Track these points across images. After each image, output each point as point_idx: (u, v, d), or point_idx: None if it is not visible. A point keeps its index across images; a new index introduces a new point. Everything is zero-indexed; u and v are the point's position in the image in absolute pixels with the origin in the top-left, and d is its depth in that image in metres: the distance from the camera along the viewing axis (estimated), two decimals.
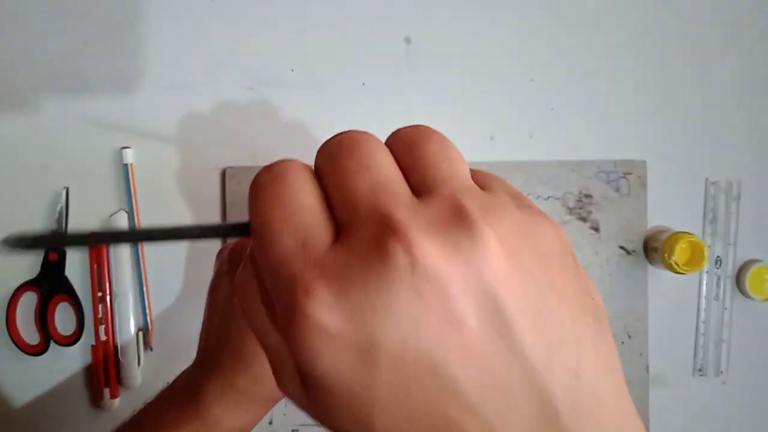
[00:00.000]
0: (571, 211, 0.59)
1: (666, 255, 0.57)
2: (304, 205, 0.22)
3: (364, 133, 0.24)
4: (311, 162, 0.27)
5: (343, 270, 0.19)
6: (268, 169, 0.23)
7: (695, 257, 0.58)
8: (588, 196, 0.60)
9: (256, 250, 0.22)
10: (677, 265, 0.56)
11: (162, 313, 0.56)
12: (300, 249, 0.20)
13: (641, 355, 0.60)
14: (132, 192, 0.55)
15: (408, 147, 0.23)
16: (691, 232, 0.59)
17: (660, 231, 0.59)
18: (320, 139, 0.60)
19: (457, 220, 0.19)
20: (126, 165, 0.55)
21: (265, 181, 0.23)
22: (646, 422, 0.60)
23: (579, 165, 0.59)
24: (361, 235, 0.20)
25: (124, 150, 0.55)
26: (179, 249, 0.56)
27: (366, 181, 0.21)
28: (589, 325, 0.22)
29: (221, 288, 0.41)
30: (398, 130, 0.25)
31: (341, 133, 0.24)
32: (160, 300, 0.56)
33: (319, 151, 0.25)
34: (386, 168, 0.22)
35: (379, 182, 0.21)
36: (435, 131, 0.24)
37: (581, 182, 0.59)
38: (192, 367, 0.42)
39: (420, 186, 0.21)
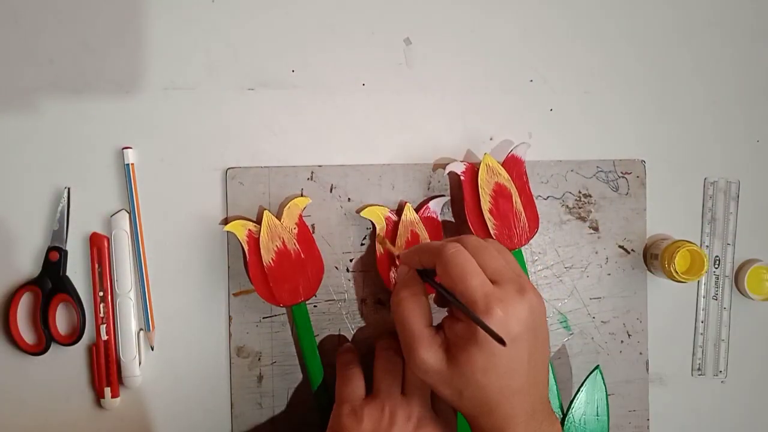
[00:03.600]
0: (570, 210, 0.60)
1: (666, 263, 0.57)
2: (479, 270, 0.44)
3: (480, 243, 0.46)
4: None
5: (502, 299, 0.42)
6: (452, 246, 0.45)
7: (695, 266, 0.58)
8: (587, 195, 0.60)
9: (446, 280, 0.44)
10: (677, 273, 0.57)
11: (163, 313, 0.56)
12: (483, 285, 0.43)
13: (641, 354, 0.60)
14: (133, 192, 0.55)
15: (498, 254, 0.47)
16: (690, 238, 0.59)
17: (660, 239, 0.60)
18: (320, 139, 0.61)
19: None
20: (127, 165, 0.55)
21: (453, 252, 0.44)
22: (645, 421, 0.60)
23: (578, 165, 0.60)
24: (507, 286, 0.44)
25: (125, 150, 0.55)
26: (179, 249, 0.56)
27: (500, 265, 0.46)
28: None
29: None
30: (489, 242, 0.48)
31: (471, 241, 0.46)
32: (162, 299, 0.56)
33: (467, 246, 0.46)
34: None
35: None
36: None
37: (580, 182, 0.60)
38: None
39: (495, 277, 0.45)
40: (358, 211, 0.56)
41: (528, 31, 0.60)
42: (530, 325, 0.43)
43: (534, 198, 0.58)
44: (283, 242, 0.54)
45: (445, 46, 0.59)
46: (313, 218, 0.56)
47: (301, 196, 0.56)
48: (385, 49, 0.58)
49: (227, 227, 0.54)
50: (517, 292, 0.43)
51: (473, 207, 0.56)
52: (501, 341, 0.39)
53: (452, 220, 0.58)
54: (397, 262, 0.54)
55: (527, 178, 0.57)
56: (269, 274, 0.53)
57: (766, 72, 0.63)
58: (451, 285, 0.44)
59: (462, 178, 0.56)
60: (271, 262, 0.54)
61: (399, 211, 0.57)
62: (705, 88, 0.62)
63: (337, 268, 0.57)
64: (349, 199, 0.57)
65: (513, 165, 0.57)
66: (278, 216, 0.55)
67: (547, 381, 0.46)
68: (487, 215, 0.55)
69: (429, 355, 0.44)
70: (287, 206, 0.54)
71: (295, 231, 0.55)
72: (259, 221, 0.54)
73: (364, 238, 0.57)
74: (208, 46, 0.56)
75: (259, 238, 0.54)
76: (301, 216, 0.55)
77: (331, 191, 0.57)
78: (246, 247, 0.54)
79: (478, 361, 0.42)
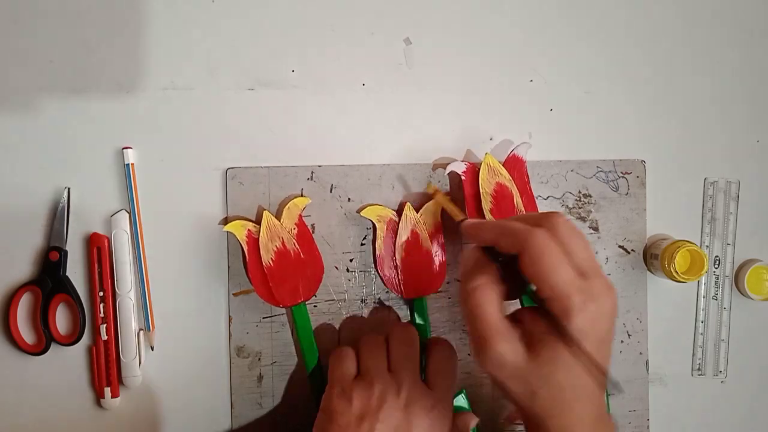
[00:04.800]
0: (570, 210, 0.60)
1: (666, 263, 0.57)
2: (566, 262, 0.41)
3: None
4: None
5: (594, 296, 0.41)
6: (542, 234, 0.41)
7: (695, 266, 0.58)
8: (587, 195, 0.60)
9: (533, 271, 0.41)
10: (677, 273, 0.57)
11: (163, 313, 0.56)
12: (574, 279, 0.41)
13: (641, 354, 0.60)
14: (134, 192, 0.55)
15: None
16: (690, 238, 0.59)
17: (660, 239, 0.60)
18: (320, 139, 0.61)
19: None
20: (127, 165, 0.55)
21: (543, 241, 0.41)
22: (645, 421, 0.60)
23: (578, 165, 0.60)
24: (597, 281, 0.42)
25: (125, 150, 0.55)
26: (179, 249, 0.56)
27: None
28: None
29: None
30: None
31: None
32: (162, 299, 0.56)
33: (557, 232, 0.42)
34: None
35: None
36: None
37: (580, 182, 0.60)
38: None
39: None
40: (359, 211, 0.56)
41: (528, 31, 0.60)
42: (613, 320, 0.42)
43: (535, 198, 0.58)
44: (283, 242, 0.54)
45: (445, 46, 0.59)
46: (313, 218, 0.56)
47: (301, 196, 0.56)
48: (385, 49, 0.58)
49: (226, 227, 0.54)
50: (606, 287, 0.41)
51: (474, 207, 0.56)
52: (619, 388, 0.40)
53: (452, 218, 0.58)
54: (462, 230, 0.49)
55: (528, 178, 0.57)
56: (269, 275, 0.53)
57: (767, 72, 0.63)
58: (536, 276, 0.41)
59: (463, 178, 0.56)
60: (270, 262, 0.54)
61: (399, 211, 0.57)
62: (705, 88, 0.62)
63: (337, 268, 0.57)
64: (349, 199, 0.57)
65: (514, 165, 0.57)
66: (278, 216, 0.55)
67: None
68: (488, 215, 0.55)
69: (507, 348, 0.41)
70: (287, 206, 0.54)
71: (295, 231, 0.55)
72: (258, 221, 0.54)
73: (364, 238, 0.57)
74: (208, 46, 0.56)
75: (258, 238, 0.54)
76: (300, 216, 0.55)
77: (331, 191, 0.57)
78: (245, 248, 0.54)
79: (564, 358, 0.40)
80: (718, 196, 0.62)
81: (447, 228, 0.57)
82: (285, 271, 0.54)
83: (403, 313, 0.57)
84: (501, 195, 0.56)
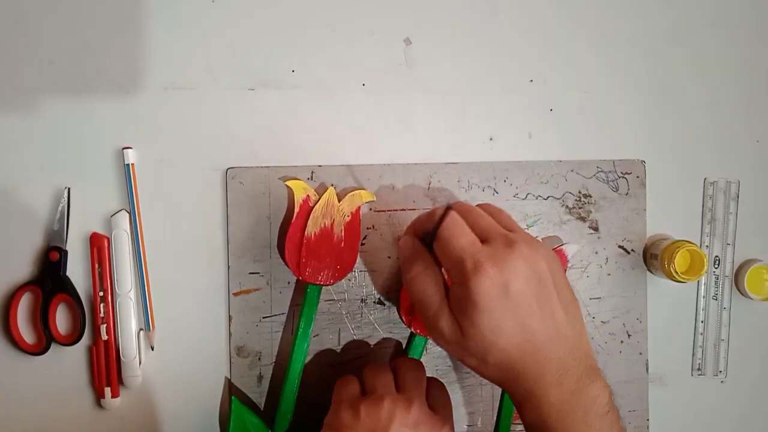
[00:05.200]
0: (570, 210, 0.60)
1: (666, 263, 0.57)
2: (468, 231, 0.43)
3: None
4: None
5: (491, 256, 0.42)
6: (441, 209, 0.44)
7: (695, 266, 0.58)
8: (587, 195, 0.60)
9: (437, 246, 0.44)
10: (677, 273, 0.57)
11: (163, 313, 0.56)
12: (472, 244, 0.42)
13: (640, 354, 0.60)
14: (134, 192, 0.55)
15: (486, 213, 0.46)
16: (690, 238, 0.59)
17: (660, 239, 0.60)
18: (320, 139, 0.61)
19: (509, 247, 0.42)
20: (127, 165, 0.55)
21: (455, 219, 0.44)
22: (645, 421, 0.60)
23: (578, 165, 0.60)
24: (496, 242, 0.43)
25: (125, 150, 0.55)
26: (179, 249, 0.56)
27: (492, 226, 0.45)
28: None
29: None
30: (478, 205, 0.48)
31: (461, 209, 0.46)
32: (162, 299, 0.56)
33: (461, 212, 0.45)
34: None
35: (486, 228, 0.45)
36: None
37: (580, 182, 0.60)
38: None
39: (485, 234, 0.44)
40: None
41: (528, 31, 0.60)
42: (530, 275, 0.42)
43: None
44: (333, 223, 0.54)
45: (445, 46, 0.59)
46: None
47: (367, 191, 0.56)
48: (385, 49, 0.58)
49: (289, 182, 0.54)
50: (505, 245, 0.42)
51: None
52: None
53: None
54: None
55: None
56: (305, 246, 0.54)
57: (766, 72, 0.63)
58: (442, 247, 0.43)
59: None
60: (312, 235, 0.54)
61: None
62: (705, 88, 0.62)
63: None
64: None
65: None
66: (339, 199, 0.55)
67: (580, 333, 0.44)
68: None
69: (446, 325, 0.43)
70: (352, 193, 0.55)
71: (347, 219, 0.55)
72: (319, 194, 0.55)
73: (364, 238, 0.57)
74: (208, 46, 0.56)
75: (313, 207, 0.54)
76: (359, 209, 0.55)
77: None
78: (297, 209, 0.54)
79: (483, 322, 0.41)
80: (718, 196, 0.62)
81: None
82: (320, 249, 0.54)
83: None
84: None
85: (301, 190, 0.54)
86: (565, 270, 0.57)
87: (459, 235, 0.43)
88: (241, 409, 0.54)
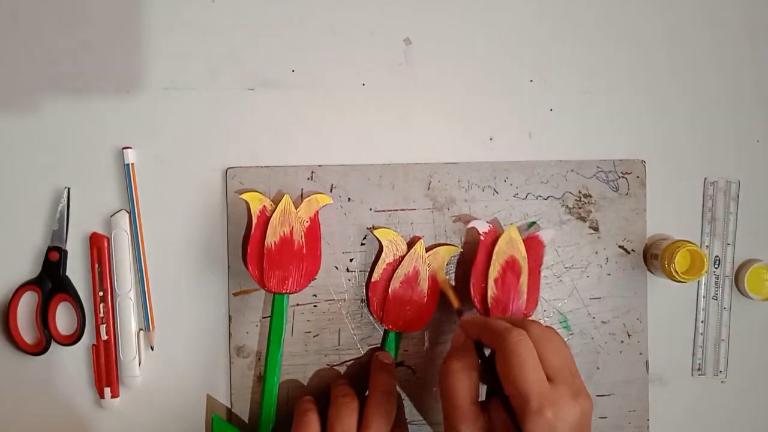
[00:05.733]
0: (570, 210, 0.60)
1: (666, 263, 0.57)
2: (539, 368, 0.44)
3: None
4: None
5: (555, 402, 0.42)
6: (518, 334, 0.44)
7: (695, 266, 0.58)
8: (587, 195, 0.60)
9: (502, 368, 0.44)
10: (677, 273, 0.57)
11: (163, 313, 0.56)
12: (540, 383, 0.43)
13: (641, 354, 0.60)
14: (134, 192, 0.55)
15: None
16: (690, 238, 0.59)
17: (660, 239, 0.60)
18: (321, 139, 0.61)
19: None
20: (127, 165, 0.55)
21: (518, 341, 0.44)
22: (645, 421, 0.60)
23: (578, 165, 0.60)
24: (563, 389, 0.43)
25: (125, 150, 0.55)
26: (179, 249, 0.56)
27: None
28: None
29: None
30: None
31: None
32: (162, 299, 0.56)
33: (536, 341, 0.45)
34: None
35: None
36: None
37: (581, 182, 0.60)
38: None
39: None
40: (371, 229, 0.56)
41: (528, 31, 0.60)
42: (576, 427, 0.43)
43: (540, 283, 0.58)
44: (291, 230, 0.54)
45: (445, 46, 0.59)
46: None
47: (323, 194, 0.56)
48: (385, 49, 0.58)
49: (244, 195, 0.54)
50: (571, 396, 0.43)
51: (481, 270, 0.56)
52: None
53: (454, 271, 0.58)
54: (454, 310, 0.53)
55: (542, 262, 0.57)
56: (267, 256, 0.54)
57: (766, 72, 0.63)
58: (506, 373, 0.44)
59: (482, 237, 0.56)
60: (272, 244, 0.54)
61: (410, 244, 0.57)
62: (705, 87, 0.62)
63: (337, 267, 0.57)
64: (349, 198, 0.57)
65: (533, 244, 0.57)
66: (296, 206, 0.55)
67: None
68: (490, 282, 0.55)
69: (467, 430, 0.45)
70: (308, 198, 0.55)
71: (307, 224, 0.55)
72: (276, 203, 0.54)
73: (364, 238, 0.57)
74: (208, 46, 0.56)
75: (270, 217, 0.54)
76: (317, 213, 0.55)
77: (331, 191, 0.57)
78: (255, 221, 0.54)
79: None
80: (718, 196, 0.62)
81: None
82: (283, 257, 0.54)
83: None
84: (510, 268, 0.56)
85: (256, 201, 0.54)
86: (542, 255, 0.58)
87: (531, 369, 0.43)
88: (222, 426, 0.54)
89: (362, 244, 0.57)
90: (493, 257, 0.55)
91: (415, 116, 0.59)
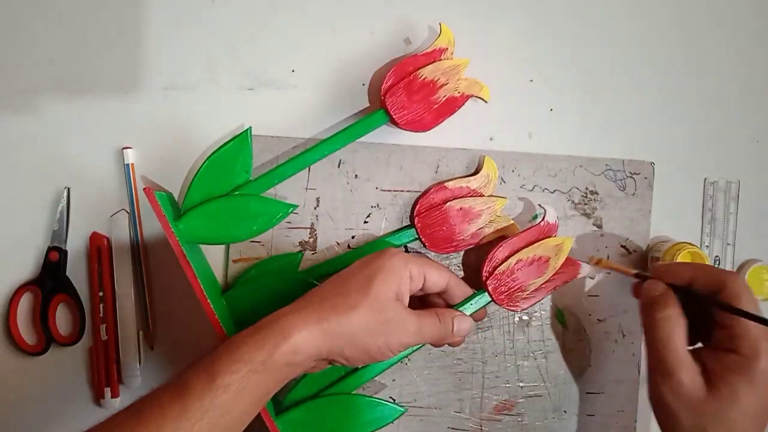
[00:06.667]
0: (575, 206, 0.59)
1: None
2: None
3: None
4: None
5: None
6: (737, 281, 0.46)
7: None
8: (594, 192, 0.60)
9: (733, 310, 0.45)
10: None
11: (163, 313, 0.56)
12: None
13: (633, 354, 0.60)
14: (133, 192, 0.55)
15: None
16: (690, 238, 0.59)
17: (661, 241, 0.60)
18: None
19: None
20: (127, 165, 0.55)
21: (745, 281, 0.47)
22: (632, 422, 0.60)
23: (587, 161, 0.60)
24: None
25: (125, 150, 0.55)
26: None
27: None
28: None
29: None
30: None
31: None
32: (161, 299, 0.56)
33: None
34: None
35: None
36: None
37: (588, 178, 0.60)
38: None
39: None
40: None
41: (528, 31, 0.60)
42: None
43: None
44: (444, 84, 0.55)
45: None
46: (318, 191, 0.56)
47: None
48: (385, 49, 0.58)
49: (444, 26, 0.56)
50: None
51: (516, 244, 0.55)
52: None
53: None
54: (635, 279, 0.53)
55: (561, 285, 0.56)
56: (406, 80, 0.55)
57: (767, 72, 0.63)
58: (734, 312, 0.44)
59: (541, 224, 0.55)
60: (421, 77, 0.55)
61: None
62: (705, 88, 0.62)
63: (338, 243, 0.57)
64: (356, 175, 0.57)
65: (568, 266, 0.56)
66: None
67: None
68: (512, 258, 0.54)
69: (689, 379, 0.44)
70: (475, 80, 0.57)
71: (456, 94, 0.56)
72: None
73: (368, 216, 0.57)
74: (208, 46, 0.56)
75: (440, 60, 0.56)
76: (468, 96, 0.57)
77: (339, 166, 0.57)
78: (429, 49, 0.56)
79: (742, 398, 0.43)
80: (718, 196, 0.62)
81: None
82: (417, 93, 0.55)
83: None
84: (538, 264, 0.55)
85: (446, 39, 0.56)
86: (567, 280, 0.57)
87: (756, 309, 0.44)
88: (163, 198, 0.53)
89: (365, 222, 0.57)
90: (536, 244, 0.54)
91: None
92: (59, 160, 0.55)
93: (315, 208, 0.56)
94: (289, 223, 0.56)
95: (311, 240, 0.57)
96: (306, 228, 0.56)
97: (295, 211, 0.56)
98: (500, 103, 0.59)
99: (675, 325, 0.46)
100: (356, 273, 0.47)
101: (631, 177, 0.60)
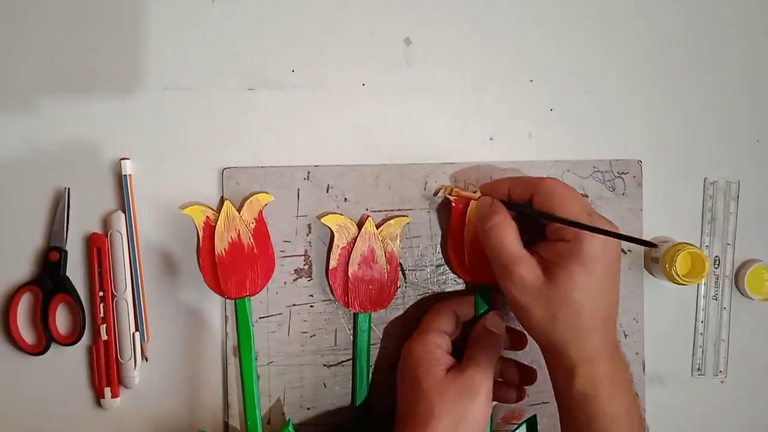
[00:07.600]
0: None
1: (667, 266, 0.57)
2: (582, 201, 0.50)
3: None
4: None
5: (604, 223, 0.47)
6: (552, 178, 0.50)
7: (696, 268, 0.58)
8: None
9: (549, 205, 0.47)
10: (678, 276, 0.57)
11: (160, 313, 0.56)
12: (585, 211, 0.47)
13: (637, 353, 0.60)
14: (129, 192, 0.54)
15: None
16: (689, 238, 0.59)
17: (660, 242, 0.60)
18: (321, 139, 0.61)
19: None
20: (125, 176, 0.54)
21: (555, 181, 0.49)
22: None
23: (575, 165, 0.60)
24: (597, 218, 0.48)
25: (122, 161, 0.54)
26: (177, 248, 0.56)
27: None
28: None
29: None
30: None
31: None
32: (158, 299, 0.56)
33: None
34: None
35: None
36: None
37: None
38: None
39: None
40: (319, 218, 0.56)
41: (528, 31, 0.60)
42: (619, 252, 0.47)
43: None
44: (239, 234, 0.54)
45: (445, 46, 0.59)
46: (309, 218, 0.56)
47: (265, 192, 0.56)
48: (385, 49, 0.58)
49: (185, 210, 0.54)
50: (608, 222, 0.47)
51: (456, 233, 0.56)
52: (652, 244, 0.47)
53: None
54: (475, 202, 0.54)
55: None
56: (219, 264, 0.54)
57: (767, 71, 0.63)
58: (551, 210, 0.47)
59: (453, 204, 0.56)
60: (223, 252, 0.54)
61: (360, 224, 0.56)
62: (705, 87, 0.62)
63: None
64: (345, 199, 0.57)
65: None
66: (239, 209, 0.55)
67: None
68: (467, 248, 0.56)
69: (528, 272, 0.46)
70: (249, 200, 0.55)
71: (253, 226, 0.55)
72: (219, 210, 0.54)
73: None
74: (208, 46, 0.56)
75: (215, 226, 0.54)
76: (261, 212, 0.55)
77: (327, 191, 0.57)
78: (200, 233, 0.54)
79: (578, 279, 0.45)
80: (718, 196, 0.62)
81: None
82: (236, 263, 0.54)
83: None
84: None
85: (198, 213, 0.54)
86: None
87: (575, 200, 0.47)
88: None
89: None
90: (466, 223, 0.56)
91: (415, 116, 0.59)
92: (59, 160, 0.55)
93: (307, 235, 0.56)
94: (283, 252, 0.56)
95: (306, 267, 0.57)
96: (300, 255, 0.56)
97: (287, 240, 0.56)
98: (500, 103, 0.59)
99: (505, 228, 0.48)
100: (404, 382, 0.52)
101: (619, 177, 0.60)
